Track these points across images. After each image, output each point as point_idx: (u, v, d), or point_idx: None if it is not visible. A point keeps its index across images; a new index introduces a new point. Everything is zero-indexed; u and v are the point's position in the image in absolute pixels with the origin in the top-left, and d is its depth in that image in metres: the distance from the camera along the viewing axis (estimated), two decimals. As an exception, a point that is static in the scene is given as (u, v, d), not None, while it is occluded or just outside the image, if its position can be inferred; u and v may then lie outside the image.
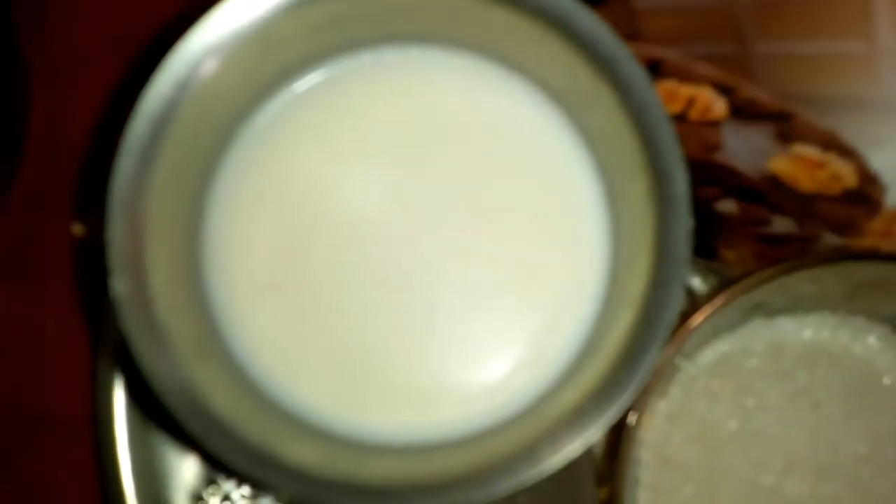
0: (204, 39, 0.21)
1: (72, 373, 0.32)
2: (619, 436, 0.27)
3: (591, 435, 0.21)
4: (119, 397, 0.29)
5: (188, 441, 0.29)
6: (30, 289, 0.33)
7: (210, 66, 0.21)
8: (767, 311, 0.30)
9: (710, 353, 0.30)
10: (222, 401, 0.21)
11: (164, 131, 0.21)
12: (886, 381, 0.30)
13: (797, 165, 0.29)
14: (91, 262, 0.33)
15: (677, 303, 0.21)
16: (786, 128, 0.29)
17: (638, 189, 0.22)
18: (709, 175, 0.30)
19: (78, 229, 0.33)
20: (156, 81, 0.21)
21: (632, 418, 0.26)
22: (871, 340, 0.30)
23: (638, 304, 0.21)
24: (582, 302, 0.24)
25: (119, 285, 0.21)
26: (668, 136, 0.21)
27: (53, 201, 0.33)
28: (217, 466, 0.29)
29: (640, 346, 0.21)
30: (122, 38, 0.33)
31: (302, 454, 0.21)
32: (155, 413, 0.29)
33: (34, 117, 0.33)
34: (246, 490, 0.29)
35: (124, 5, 0.34)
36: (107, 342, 0.30)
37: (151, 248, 0.21)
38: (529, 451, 0.21)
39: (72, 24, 0.34)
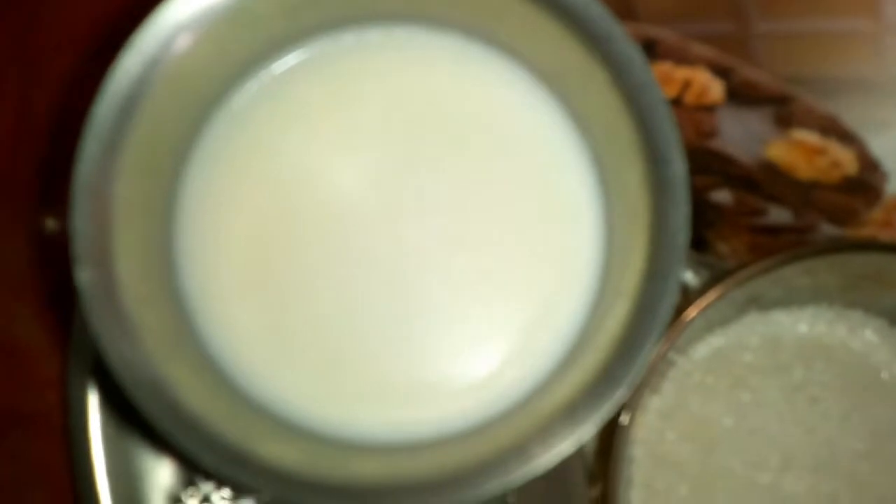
0: (175, 14, 0.20)
1: (44, 370, 0.31)
2: (610, 433, 0.26)
3: (585, 432, 0.20)
4: (93, 395, 0.28)
5: (163, 441, 0.28)
6: (1, 282, 0.32)
7: (182, 44, 0.20)
8: (762, 304, 0.29)
9: (704, 348, 0.29)
10: (196, 397, 0.20)
11: (133, 112, 0.20)
12: (884, 375, 0.29)
13: (795, 152, 0.28)
14: (64, 257, 0.32)
15: (674, 293, 0.20)
16: (785, 112, 0.28)
17: (633, 174, 0.21)
18: (703, 163, 0.29)
19: (50, 224, 0.32)
20: (123, 59, 0.20)
21: (624, 415, 0.26)
22: (868, 334, 0.30)
23: (633, 294, 0.20)
24: (574, 293, 0.23)
25: (84, 275, 0.20)
26: (664, 118, 0.20)
27: (24, 195, 0.32)
28: (193, 467, 0.28)
29: (636, 338, 0.20)
30: (97, 22, 0.32)
31: (281, 454, 0.20)
32: (129, 412, 0.28)
33: (5, 106, 0.32)
34: (226, 492, 0.28)
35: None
36: (80, 339, 0.29)
37: (119, 237, 0.20)
38: (521, 449, 0.20)
39: (37, 10, 0.33)
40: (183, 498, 0.29)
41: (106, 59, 0.32)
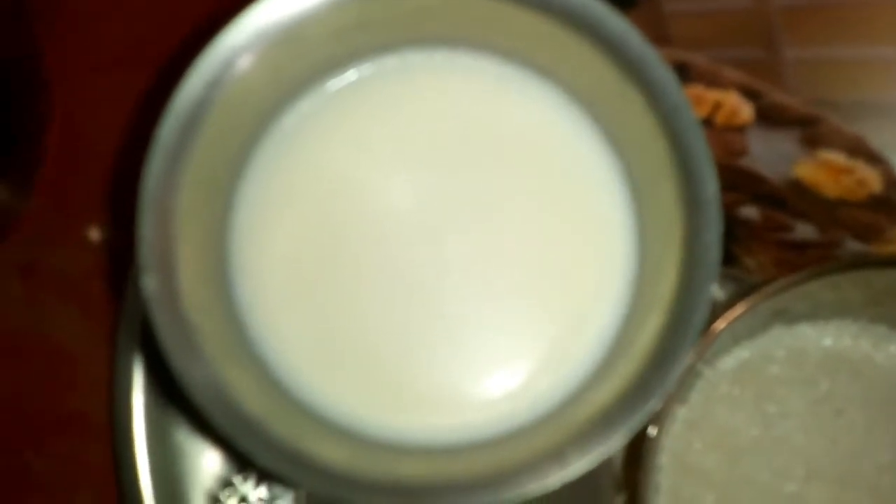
0: (236, 39, 0.21)
1: (90, 373, 0.32)
2: (638, 441, 0.27)
3: (619, 439, 0.21)
4: (137, 397, 0.29)
5: (210, 439, 0.29)
6: (49, 289, 0.33)
7: (241, 66, 0.22)
8: (788, 318, 0.29)
9: (731, 360, 0.30)
10: (251, 400, 0.21)
11: (195, 130, 0.21)
12: (908, 389, 0.30)
13: (822, 171, 0.29)
14: (110, 263, 0.33)
15: (707, 307, 0.21)
16: (812, 133, 0.29)
17: (666, 192, 0.22)
18: (732, 180, 0.30)
19: (94, 233, 0.33)
20: (188, 80, 0.21)
21: (652, 425, 0.26)
22: (892, 349, 0.30)
23: (666, 307, 0.21)
24: (608, 305, 0.24)
25: (149, 283, 0.21)
26: (697, 139, 0.21)
27: (75, 203, 0.33)
28: (243, 465, 0.29)
29: (669, 350, 0.21)
30: (147, 42, 0.33)
31: (330, 454, 0.21)
32: (175, 413, 0.29)
33: (54, 124, 0.33)
34: (263, 492, 0.29)
35: (144, 10, 0.34)
36: (125, 342, 0.30)
37: (181, 247, 0.21)
38: (557, 454, 0.21)
39: (95, 26, 0.34)
40: (221, 498, 0.29)
41: (158, 79, 0.33)
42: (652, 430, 0.26)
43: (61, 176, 0.33)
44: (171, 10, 0.33)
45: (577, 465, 0.21)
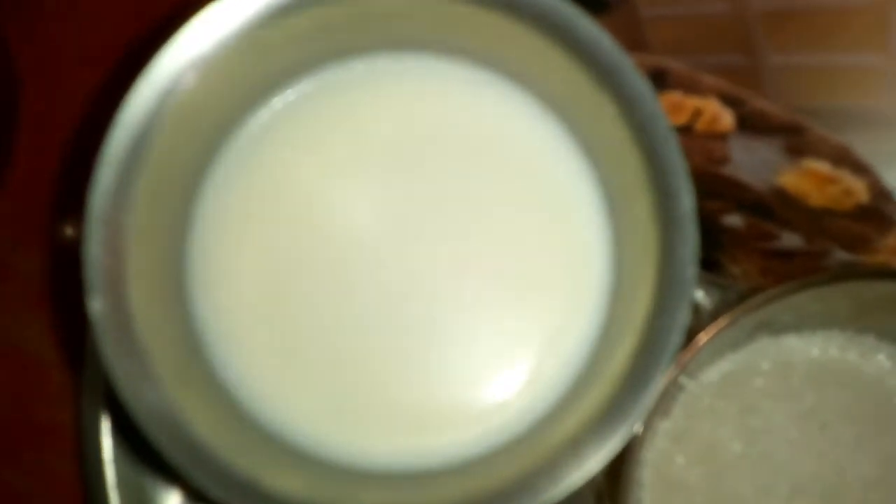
0: (186, 48, 0.20)
1: (58, 383, 0.31)
2: (620, 456, 0.26)
3: (592, 466, 0.20)
4: (104, 411, 0.29)
5: (171, 468, 0.29)
6: (18, 294, 0.32)
7: (193, 76, 0.21)
8: (774, 329, 0.29)
9: (715, 372, 0.29)
10: (205, 426, 0.20)
11: (146, 143, 0.20)
12: (896, 401, 0.29)
13: (807, 180, 0.28)
14: (81, 269, 0.32)
15: (682, 327, 0.20)
16: (796, 141, 0.28)
17: (641, 206, 0.21)
18: (715, 188, 0.29)
19: (69, 231, 0.32)
20: (136, 91, 0.20)
21: (634, 439, 0.26)
22: (880, 360, 0.29)
23: (641, 327, 0.20)
24: (582, 323, 0.23)
25: (96, 305, 0.20)
26: (672, 153, 0.20)
27: (45, 206, 0.32)
28: (200, 496, 0.28)
29: (643, 372, 0.20)
30: (115, 40, 0.32)
31: (288, 484, 0.20)
32: (140, 434, 0.28)
33: (23, 121, 0.33)
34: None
35: (117, 7, 0.33)
36: (93, 354, 0.29)
37: (132, 266, 0.20)
38: (528, 481, 0.20)
39: (64, 25, 0.33)
40: (191, 512, 0.29)
41: (126, 77, 0.32)
42: (633, 445, 0.26)
43: (31, 177, 0.33)
44: (148, 7, 0.32)
45: (549, 494, 0.20)
